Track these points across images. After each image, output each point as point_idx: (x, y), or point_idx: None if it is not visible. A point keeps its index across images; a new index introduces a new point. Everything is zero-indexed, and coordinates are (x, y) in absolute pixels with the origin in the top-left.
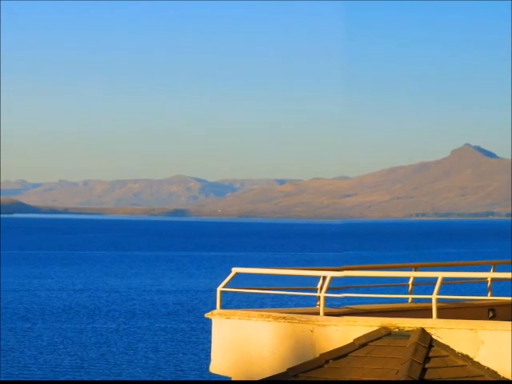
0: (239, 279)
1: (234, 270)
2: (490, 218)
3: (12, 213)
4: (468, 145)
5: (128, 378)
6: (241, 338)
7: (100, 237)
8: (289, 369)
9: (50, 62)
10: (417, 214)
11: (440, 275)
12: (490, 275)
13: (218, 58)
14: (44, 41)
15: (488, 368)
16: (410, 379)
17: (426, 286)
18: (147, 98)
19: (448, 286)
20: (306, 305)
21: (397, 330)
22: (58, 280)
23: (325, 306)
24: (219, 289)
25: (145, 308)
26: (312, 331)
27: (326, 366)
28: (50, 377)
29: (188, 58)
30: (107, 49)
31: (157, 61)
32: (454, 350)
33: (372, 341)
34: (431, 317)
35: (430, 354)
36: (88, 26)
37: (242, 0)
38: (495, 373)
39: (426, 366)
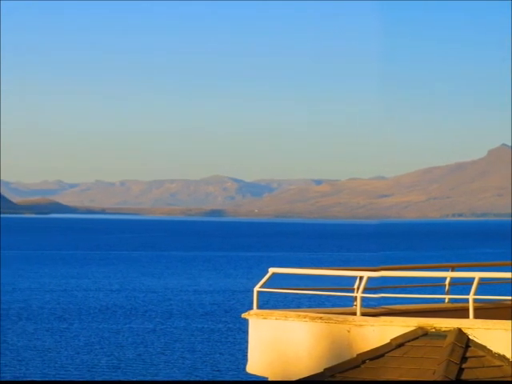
0: (276, 279)
1: (271, 270)
2: None
3: (49, 213)
4: (504, 145)
5: (165, 379)
6: (278, 339)
7: (137, 237)
8: (326, 369)
9: (86, 62)
10: (453, 215)
11: (477, 275)
12: None
13: (255, 58)
14: (78, 41)
15: None
16: (447, 379)
17: (462, 286)
18: (185, 99)
19: (485, 286)
20: (343, 305)
21: (433, 330)
22: (95, 280)
23: (361, 306)
24: (256, 289)
25: (182, 308)
26: (349, 331)
27: (362, 366)
28: (87, 377)
29: (224, 58)
30: (145, 49)
31: (194, 61)
32: (491, 351)
33: (409, 341)
34: (468, 317)
35: (467, 355)
36: (124, 27)
37: (279, 0)
38: None
39: (463, 366)
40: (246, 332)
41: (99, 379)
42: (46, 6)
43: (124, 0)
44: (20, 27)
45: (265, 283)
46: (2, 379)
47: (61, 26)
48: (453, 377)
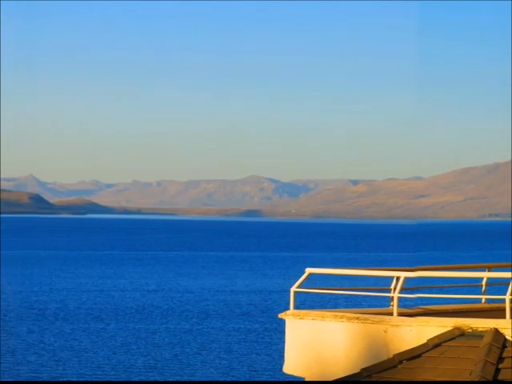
0: (313, 279)
1: (308, 270)
2: None
3: (85, 213)
4: None
5: (201, 379)
6: (314, 339)
7: (173, 237)
8: (362, 369)
9: (122, 63)
10: (490, 215)
11: None
12: None
13: (293, 58)
14: (113, 41)
15: None
16: (484, 380)
17: (499, 286)
18: (221, 99)
19: None
20: (380, 305)
21: (470, 330)
22: (132, 280)
23: (398, 306)
24: (293, 289)
25: (218, 308)
26: (385, 332)
27: (399, 366)
28: (123, 377)
29: (261, 58)
30: (180, 49)
31: (230, 61)
32: None
33: (445, 341)
34: (505, 317)
35: (504, 355)
36: (155, 27)
37: (317, 0)
38: None
39: (500, 366)
40: (282, 332)
41: (136, 379)
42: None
43: (152, 0)
44: (54, 28)
45: (301, 283)
46: (40, 379)
47: (93, 27)
48: (489, 377)
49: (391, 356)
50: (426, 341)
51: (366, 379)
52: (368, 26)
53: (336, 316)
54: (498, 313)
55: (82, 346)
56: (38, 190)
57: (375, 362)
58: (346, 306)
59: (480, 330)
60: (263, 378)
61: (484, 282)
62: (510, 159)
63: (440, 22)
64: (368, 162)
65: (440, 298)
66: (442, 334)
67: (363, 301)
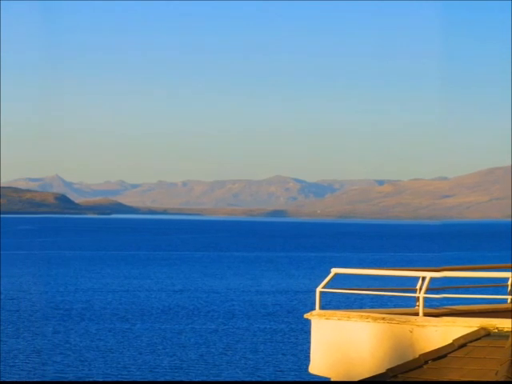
0: (338, 280)
1: (334, 270)
2: None
3: (111, 213)
4: None
5: (227, 379)
6: (340, 339)
7: (199, 238)
8: (388, 369)
9: (148, 62)
10: None
11: None
12: None
13: (317, 59)
14: (139, 41)
15: None
16: (510, 380)
17: None
18: (247, 99)
19: None
20: (405, 305)
21: (496, 330)
22: (158, 281)
23: (424, 306)
24: (318, 289)
25: (244, 309)
26: (411, 332)
27: (425, 366)
28: (149, 377)
29: (286, 58)
30: (208, 49)
31: (257, 62)
32: None
33: (471, 341)
34: None
35: None
36: (187, 27)
37: (342, 0)
38: None
39: None
40: (308, 332)
41: (162, 380)
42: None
43: (190, 0)
44: (80, 27)
45: (327, 283)
46: (66, 379)
47: (120, 26)
48: None
49: (417, 356)
50: (451, 341)
51: (392, 379)
52: (393, 26)
53: (362, 316)
54: None
55: (108, 346)
56: (64, 191)
57: (401, 362)
58: (372, 307)
59: (506, 330)
60: (289, 379)
61: (510, 282)
62: None
63: (464, 22)
64: (393, 162)
65: (465, 298)
66: (467, 335)
67: (389, 301)
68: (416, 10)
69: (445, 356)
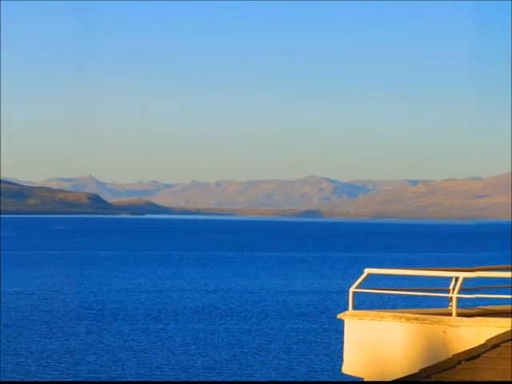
0: (371, 280)
1: (367, 270)
2: None
3: (144, 214)
4: None
5: (260, 379)
6: (373, 339)
7: (232, 238)
8: (421, 369)
9: (182, 62)
10: None
11: None
12: None
13: (351, 60)
14: (173, 41)
15: None
16: None
17: None
18: (281, 100)
19: None
20: (439, 305)
21: None
22: (191, 281)
23: (457, 306)
24: (352, 289)
25: (277, 309)
26: (444, 332)
27: (458, 366)
28: (183, 377)
29: (319, 59)
30: (244, 48)
31: (292, 61)
32: None
33: (504, 342)
34: None
35: None
36: (228, 27)
37: (375, 1)
38: None
39: None
40: (341, 333)
41: (195, 380)
42: (142, 5)
43: (231, 0)
44: (116, 28)
45: (360, 284)
46: (99, 379)
47: (156, 26)
48: None
49: (450, 356)
50: (484, 341)
51: (425, 379)
52: (427, 27)
53: (395, 316)
54: None
55: (141, 346)
56: (97, 191)
57: (434, 362)
58: (405, 307)
59: None
60: (322, 379)
61: None
62: None
63: (497, 22)
64: (427, 162)
65: (499, 299)
66: (500, 335)
67: (422, 301)
68: (449, 10)
69: (478, 356)
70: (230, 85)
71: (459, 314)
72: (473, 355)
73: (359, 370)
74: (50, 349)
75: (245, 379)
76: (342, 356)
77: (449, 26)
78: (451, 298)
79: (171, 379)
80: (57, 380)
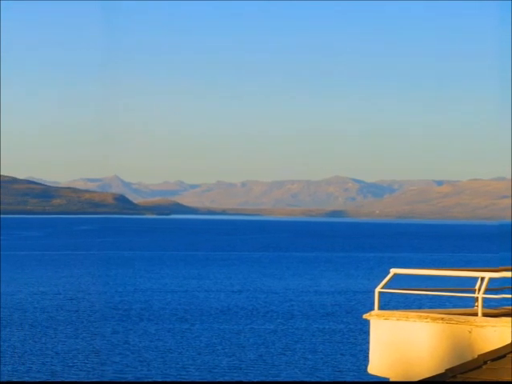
0: (397, 280)
1: (392, 270)
2: None
3: (170, 214)
4: None
5: (286, 379)
6: (399, 339)
7: (257, 238)
8: (447, 369)
9: (207, 62)
10: None
11: None
12: None
13: (377, 60)
14: (200, 41)
15: None
16: None
17: None
18: (307, 100)
19: None
20: (464, 306)
21: None
22: (216, 281)
23: (483, 306)
24: (377, 290)
25: (303, 309)
26: (470, 332)
27: (484, 366)
28: (208, 378)
29: (345, 58)
30: (264, 48)
31: (317, 61)
32: None
33: None
34: None
35: None
36: (247, 27)
37: (407, 1)
38: None
39: None
40: (367, 333)
41: (220, 380)
42: (171, 5)
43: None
44: (141, 27)
45: (386, 284)
46: (125, 380)
47: (183, 26)
48: None
49: (476, 356)
50: (510, 341)
51: (451, 379)
52: (453, 27)
53: (420, 316)
54: None
55: (167, 346)
56: (123, 191)
57: (460, 362)
58: (431, 307)
59: None
60: (348, 379)
61: None
62: None
63: None
64: (452, 162)
65: None
66: None
67: (448, 301)
68: (473, 9)
69: (504, 356)
70: (255, 85)
71: (485, 314)
72: (498, 355)
73: (385, 370)
74: (76, 349)
75: (270, 379)
76: (367, 356)
77: (474, 25)
78: (477, 298)
79: (197, 379)
80: (83, 380)
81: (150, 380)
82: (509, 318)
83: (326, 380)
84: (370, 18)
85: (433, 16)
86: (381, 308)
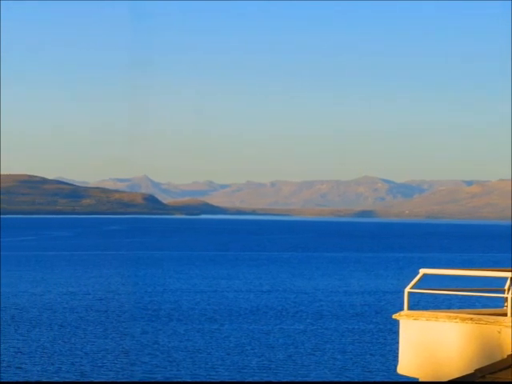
0: (426, 280)
1: (422, 271)
2: None
3: (199, 214)
4: None
5: (315, 379)
6: (428, 339)
7: (287, 238)
8: (476, 370)
9: (235, 63)
10: None
11: None
12: None
13: (404, 60)
14: (229, 42)
15: None
16: None
17: None
18: (336, 100)
19: None
20: (494, 306)
21: None
22: (246, 281)
23: None
24: (407, 290)
25: (332, 309)
26: (499, 332)
27: None
28: (237, 378)
29: (374, 59)
30: (294, 49)
31: (344, 62)
32: None
33: None
34: None
35: None
36: (273, 27)
37: (431, 0)
38: None
39: None
40: (396, 333)
41: (250, 380)
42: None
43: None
44: (167, 28)
45: (415, 284)
46: (154, 380)
47: (211, 27)
48: None
49: (505, 357)
50: None
51: (480, 380)
52: (476, 26)
53: (450, 317)
54: None
55: (196, 346)
56: (152, 191)
57: (489, 362)
58: (460, 307)
59: None
60: (377, 379)
61: None
62: None
63: None
64: (482, 162)
65: None
66: None
67: (477, 301)
68: (500, 9)
69: None
70: (284, 85)
71: None
72: None
73: (414, 370)
74: (105, 349)
75: (299, 379)
76: (397, 356)
77: (497, 24)
78: (506, 298)
79: (226, 379)
80: (112, 380)
81: (180, 380)
82: None
83: (356, 380)
84: (397, 19)
85: (460, 15)
86: (410, 308)
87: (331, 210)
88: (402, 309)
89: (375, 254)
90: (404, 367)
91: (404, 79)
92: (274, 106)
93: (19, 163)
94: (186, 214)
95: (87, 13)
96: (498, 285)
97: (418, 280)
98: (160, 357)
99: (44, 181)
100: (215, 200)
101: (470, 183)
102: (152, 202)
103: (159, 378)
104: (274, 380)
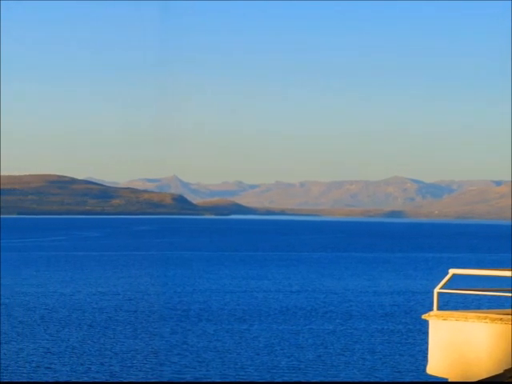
0: (456, 280)
1: (451, 271)
2: None
3: (229, 214)
4: None
5: (345, 380)
6: (458, 340)
7: (316, 238)
8: (505, 370)
9: (265, 63)
10: None
11: None
12: None
13: (428, 60)
14: (256, 42)
15: None
16: None
17: None
18: (366, 100)
19: None
20: None
21: None
22: (275, 281)
23: None
24: (436, 290)
25: (361, 309)
26: None
27: None
28: (267, 378)
29: (403, 58)
30: (323, 48)
31: (373, 62)
32: None
33: None
34: None
35: None
36: (303, 27)
37: (442, 1)
38: None
39: None
40: (426, 333)
41: (279, 380)
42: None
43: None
44: (193, 28)
45: (445, 284)
46: (183, 380)
47: (233, 27)
48: None
49: None
50: None
51: (510, 380)
52: (498, 25)
53: (479, 317)
54: None
55: (226, 346)
56: (181, 191)
57: None
58: (490, 307)
59: None
60: (407, 379)
61: None
62: None
63: None
64: (511, 162)
65: None
66: None
67: (506, 302)
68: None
69: None
70: (311, 85)
71: None
72: None
73: (444, 370)
74: (135, 349)
75: (329, 379)
76: (426, 356)
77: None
78: None
79: (256, 379)
80: (141, 381)
81: (208, 381)
82: None
83: (385, 380)
84: (420, 19)
85: (484, 16)
86: (440, 308)
87: (360, 211)
88: (431, 309)
89: (405, 255)
90: (433, 367)
91: (433, 78)
92: (303, 106)
93: (49, 163)
94: (216, 214)
95: (117, 13)
96: None
97: (448, 280)
98: (189, 357)
99: (73, 181)
100: (244, 200)
101: (499, 183)
102: (181, 203)
103: (188, 378)
104: (303, 380)
